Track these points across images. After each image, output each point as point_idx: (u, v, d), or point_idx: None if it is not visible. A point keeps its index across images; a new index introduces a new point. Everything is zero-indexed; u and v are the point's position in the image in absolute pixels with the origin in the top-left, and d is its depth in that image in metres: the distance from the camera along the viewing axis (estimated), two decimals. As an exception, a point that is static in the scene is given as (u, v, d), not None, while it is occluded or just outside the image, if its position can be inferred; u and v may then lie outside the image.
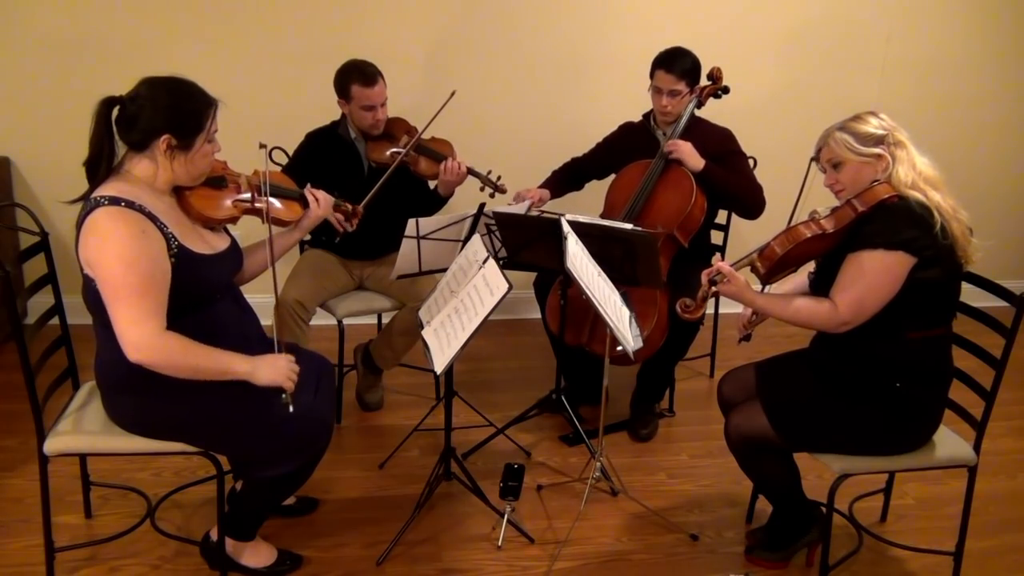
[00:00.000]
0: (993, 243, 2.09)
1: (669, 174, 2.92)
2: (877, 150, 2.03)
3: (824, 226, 2.04)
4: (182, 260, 1.90)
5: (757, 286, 2.20)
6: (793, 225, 2.08)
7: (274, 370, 1.97)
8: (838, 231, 2.03)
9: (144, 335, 1.82)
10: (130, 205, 1.84)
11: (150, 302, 1.83)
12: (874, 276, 1.97)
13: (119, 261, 1.80)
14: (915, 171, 2.01)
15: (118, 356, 1.89)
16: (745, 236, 3.93)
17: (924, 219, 1.95)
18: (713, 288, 2.13)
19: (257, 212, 2.19)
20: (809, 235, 2.03)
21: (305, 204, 2.35)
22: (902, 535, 2.53)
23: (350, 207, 2.62)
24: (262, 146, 2.11)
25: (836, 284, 2.02)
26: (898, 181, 2.01)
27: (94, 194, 1.87)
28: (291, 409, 1.98)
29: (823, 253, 2.09)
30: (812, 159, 2.15)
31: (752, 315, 2.32)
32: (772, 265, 2.07)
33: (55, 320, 2.23)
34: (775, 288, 2.28)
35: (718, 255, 2.16)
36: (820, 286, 2.16)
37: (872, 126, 2.05)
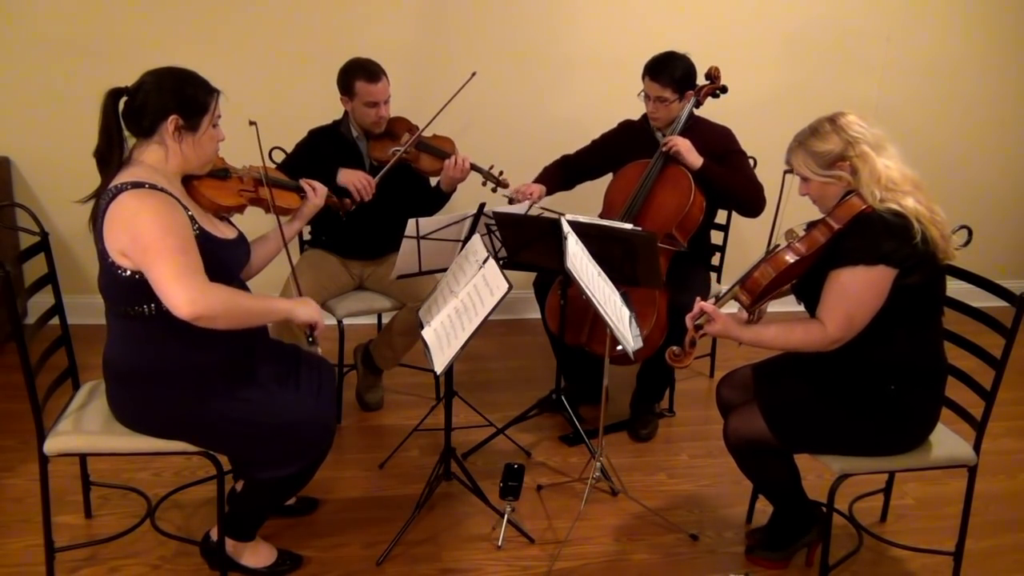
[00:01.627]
0: (992, 243, 2.08)
1: (667, 173, 2.92)
2: (835, 171, 2.01)
3: (803, 249, 2.02)
4: (203, 240, 1.93)
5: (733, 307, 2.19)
6: (774, 253, 2.05)
7: (309, 308, 2.08)
8: (817, 250, 2.01)
9: (193, 289, 1.82)
10: (153, 187, 1.87)
11: (192, 259, 1.85)
12: (858, 293, 1.96)
13: (157, 226, 1.82)
14: (879, 184, 1.97)
15: (128, 348, 1.90)
16: (745, 235, 3.93)
17: (902, 228, 1.93)
18: (699, 332, 2.13)
19: (260, 201, 2.26)
20: (791, 261, 2.01)
21: (303, 194, 2.42)
22: (902, 535, 2.53)
23: (337, 199, 2.66)
24: (251, 123, 2.14)
25: (822, 304, 2.01)
26: (865, 195, 1.99)
27: (112, 183, 1.88)
28: (319, 351, 2.14)
29: (805, 271, 2.07)
30: (786, 171, 2.14)
31: (750, 317, 2.31)
32: (756, 296, 2.06)
33: (55, 320, 2.23)
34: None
35: (699, 298, 2.15)
36: (803, 293, 2.15)
37: (830, 143, 2.01)
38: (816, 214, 2.11)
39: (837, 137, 2.02)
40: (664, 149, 2.89)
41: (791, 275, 2.05)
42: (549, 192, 3.16)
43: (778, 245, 2.07)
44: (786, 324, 2.08)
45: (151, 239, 1.81)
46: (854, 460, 2.13)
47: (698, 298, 2.16)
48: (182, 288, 1.80)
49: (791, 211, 2.15)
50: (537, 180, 3.19)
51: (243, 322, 1.94)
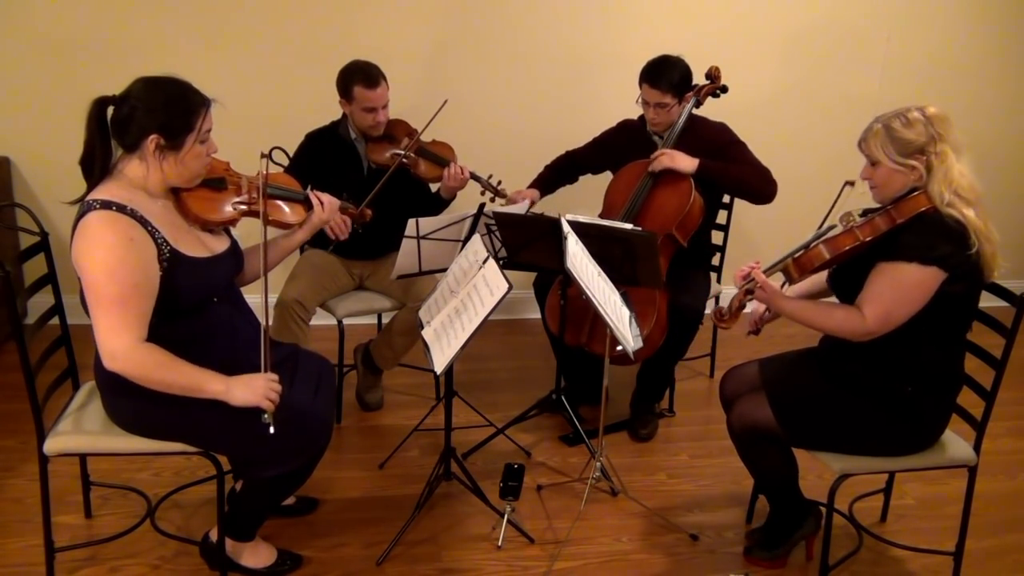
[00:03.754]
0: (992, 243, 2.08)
1: (667, 173, 2.91)
2: (912, 162, 1.98)
3: (862, 236, 2.00)
4: (174, 265, 1.89)
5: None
6: (833, 235, 2.04)
7: (249, 390, 1.90)
8: (874, 239, 2.00)
9: (120, 346, 1.81)
10: (121, 209, 1.83)
11: (130, 313, 1.82)
12: (906, 290, 1.95)
13: (103, 269, 1.80)
14: (950, 188, 1.95)
15: None
16: (748, 230, 3.94)
17: (960, 235, 1.93)
18: (749, 296, 2.13)
19: (256, 215, 2.15)
20: (849, 246, 2.01)
21: (309, 206, 2.33)
22: (902, 535, 2.53)
23: (356, 210, 2.62)
24: (264, 156, 2.07)
25: (865, 294, 2.00)
26: (932, 195, 1.97)
27: (88, 197, 1.86)
28: (271, 430, 1.91)
29: (855, 258, 2.06)
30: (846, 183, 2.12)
31: (765, 312, 2.31)
32: (806, 273, 2.07)
33: (55, 320, 2.23)
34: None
35: (755, 263, 2.13)
36: (840, 282, 2.15)
37: (915, 132, 1.98)
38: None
39: (925, 129, 1.98)
40: (651, 170, 2.89)
41: (844, 258, 2.05)
42: (544, 194, 3.21)
43: (833, 226, 2.07)
44: (826, 305, 2.10)
45: (94, 281, 1.80)
46: (854, 460, 2.13)
47: (754, 263, 2.15)
48: (109, 342, 1.81)
49: (816, 202, 2.13)
50: (536, 181, 3.23)
51: (162, 390, 1.87)
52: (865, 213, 2.06)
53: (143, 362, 1.84)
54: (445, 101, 2.90)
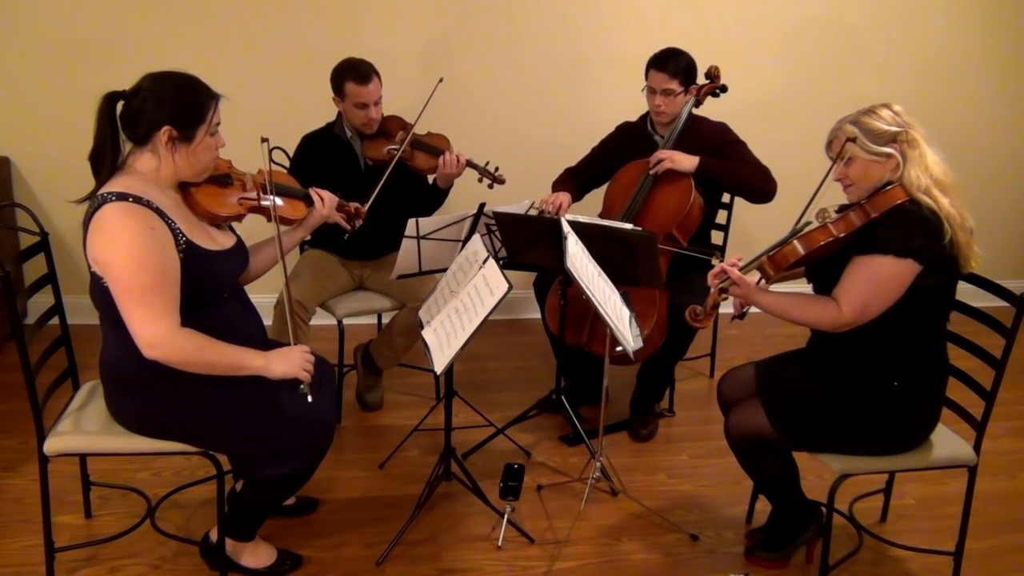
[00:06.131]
0: (992, 243, 2.07)
1: (667, 173, 2.91)
2: (887, 149, 2.00)
3: (836, 231, 2.01)
4: (189, 255, 1.90)
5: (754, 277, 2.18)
6: (807, 231, 2.04)
7: (287, 362, 1.96)
8: (850, 234, 2.01)
9: (159, 333, 1.82)
10: (137, 200, 1.84)
11: (163, 300, 1.83)
12: (882, 282, 1.96)
13: (130, 260, 1.80)
14: (927, 174, 1.97)
15: (124, 354, 1.89)
16: (749, 231, 3.94)
17: (935, 227, 1.94)
18: (723, 295, 2.13)
19: (262, 210, 2.19)
20: (823, 242, 2.01)
21: (310, 203, 2.35)
22: (902, 535, 2.53)
23: (353, 207, 2.63)
24: (264, 140, 2.11)
25: (842, 286, 2.01)
26: (909, 183, 1.98)
27: (100, 191, 1.86)
28: (309, 399, 1.97)
29: (831, 253, 2.07)
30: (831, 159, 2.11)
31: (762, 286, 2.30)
32: (782, 269, 2.07)
33: (55, 320, 2.23)
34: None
35: (737, 259, 2.13)
36: (817, 276, 2.16)
37: (885, 122, 2.01)
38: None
39: (894, 118, 2.01)
40: (652, 172, 2.89)
41: (819, 254, 2.05)
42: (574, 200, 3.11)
43: (809, 223, 2.07)
44: (803, 297, 2.10)
45: (123, 273, 1.80)
46: (854, 460, 2.13)
47: (736, 259, 2.15)
48: (147, 331, 1.81)
49: (796, 204, 2.14)
50: (558, 190, 3.12)
51: (204, 372, 1.90)
52: (841, 209, 2.07)
53: (183, 346, 1.85)
54: (440, 79, 2.90)
